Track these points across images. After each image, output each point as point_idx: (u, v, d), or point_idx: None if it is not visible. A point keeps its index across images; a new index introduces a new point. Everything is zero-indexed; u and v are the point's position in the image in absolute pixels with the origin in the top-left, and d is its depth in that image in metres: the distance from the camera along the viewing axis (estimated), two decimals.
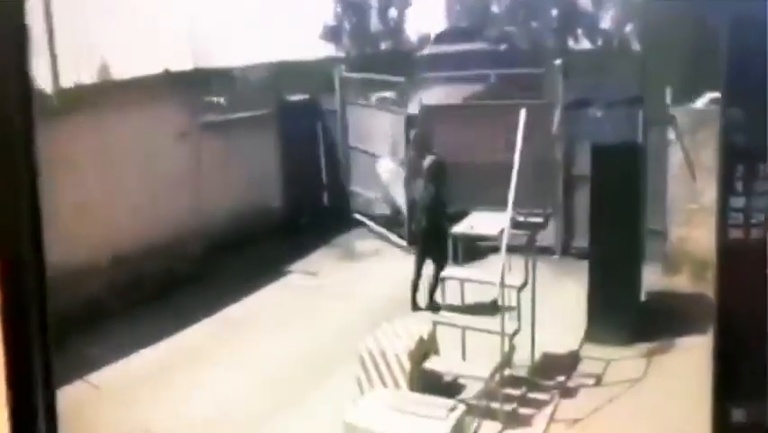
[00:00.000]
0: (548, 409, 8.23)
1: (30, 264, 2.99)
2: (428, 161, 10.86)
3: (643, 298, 10.12)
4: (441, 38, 18.77)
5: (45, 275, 2.96)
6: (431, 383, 8.38)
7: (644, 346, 9.22)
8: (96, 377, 9.36)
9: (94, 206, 11.39)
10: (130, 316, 10.68)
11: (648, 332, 9.39)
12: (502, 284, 8.10)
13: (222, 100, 14.74)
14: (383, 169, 14.09)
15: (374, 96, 15.55)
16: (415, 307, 10.70)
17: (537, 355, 8.97)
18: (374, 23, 20.41)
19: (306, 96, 15.81)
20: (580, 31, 17.24)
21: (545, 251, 11.43)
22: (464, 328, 8.75)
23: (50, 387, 2.87)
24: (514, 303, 8.52)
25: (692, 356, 7.70)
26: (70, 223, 10.66)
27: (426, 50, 18.61)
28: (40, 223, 2.87)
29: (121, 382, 9.29)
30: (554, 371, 8.90)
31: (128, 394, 8.99)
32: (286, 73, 16.10)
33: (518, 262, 8.66)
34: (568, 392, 8.56)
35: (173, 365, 9.76)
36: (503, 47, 17.48)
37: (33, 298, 2.96)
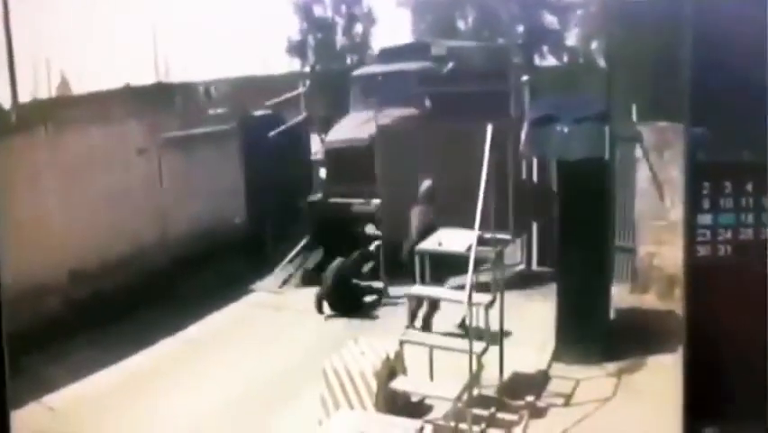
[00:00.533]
0: (517, 430, 8.22)
1: None
2: (425, 185, 10.91)
3: (612, 315, 10.15)
4: (383, 56, 16.88)
5: (0, 294, 2.91)
6: (398, 403, 8.34)
7: (613, 365, 9.24)
8: (52, 399, 9.24)
9: (52, 222, 11.27)
10: (89, 335, 10.55)
11: (618, 350, 9.41)
12: (469, 302, 8.08)
13: (184, 115, 14.62)
14: None
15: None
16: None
17: (506, 374, 8.96)
18: (339, 38, 20.45)
19: (270, 112, 15.78)
20: (545, 47, 17.38)
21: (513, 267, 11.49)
22: (431, 347, 8.73)
23: (3, 410, 2.82)
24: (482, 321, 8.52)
25: (663, 375, 7.74)
26: (27, 240, 10.54)
27: (361, 70, 16.72)
28: None
29: (78, 405, 9.17)
30: (524, 390, 8.87)
31: (85, 418, 8.87)
32: (250, 87, 16.08)
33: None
34: (537, 412, 8.55)
35: (133, 387, 9.65)
36: (449, 65, 15.47)
37: None
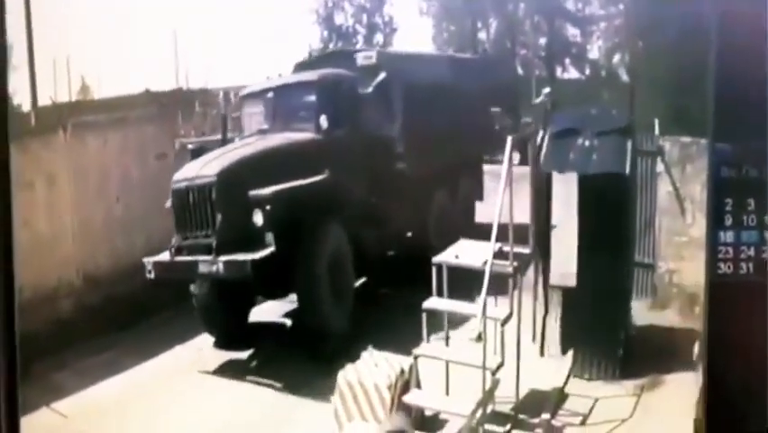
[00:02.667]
0: None
1: (1, 291, 2.95)
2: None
3: (631, 332, 10.10)
4: (298, 70, 14.00)
5: (14, 297, 2.92)
6: (411, 418, 8.31)
7: (632, 383, 9.17)
8: (64, 405, 9.26)
9: (67, 226, 11.34)
10: (101, 340, 10.59)
11: (636, 367, 9.35)
12: (484, 316, 8.05)
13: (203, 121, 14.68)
14: None
15: None
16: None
17: (522, 391, 8.91)
18: (360, 47, 20.52)
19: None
20: (568, 60, 17.37)
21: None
22: (446, 362, 8.71)
23: (14, 415, 2.82)
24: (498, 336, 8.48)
25: (682, 394, 7.66)
26: (42, 243, 10.60)
27: (250, 86, 13.37)
28: (11, 243, 2.83)
29: (89, 412, 9.18)
30: (540, 408, 8.83)
31: (96, 424, 8.89)
32: None
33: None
34: (553, 431, 8.51)
35: (145, 394, 9.66)
36: (381, 76, 12.73)
37: (1, 321, 2.91)
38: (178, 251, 10.79)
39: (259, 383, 10.07)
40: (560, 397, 9.10)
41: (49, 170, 11.11)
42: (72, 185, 11.41)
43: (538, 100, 11.10)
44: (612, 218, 9.31)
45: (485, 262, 8.29)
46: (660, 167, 10.83)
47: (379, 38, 20.54)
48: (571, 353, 9.57)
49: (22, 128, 10.89)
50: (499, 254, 8.56)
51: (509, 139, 8.62)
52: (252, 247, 10.20)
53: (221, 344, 11.39)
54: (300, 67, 14.00)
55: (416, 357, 8.71)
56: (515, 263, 8.89)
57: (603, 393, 8.99)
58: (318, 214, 10.79)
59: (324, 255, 10.68)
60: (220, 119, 13.15)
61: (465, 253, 9.07)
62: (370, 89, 12.56)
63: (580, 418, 8.64)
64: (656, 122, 10.81)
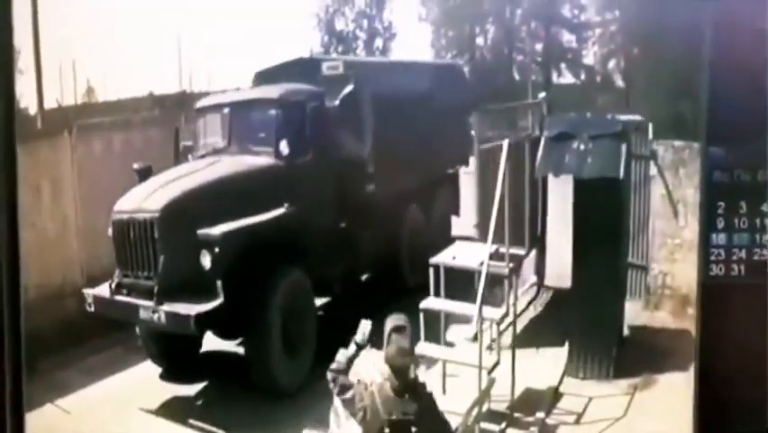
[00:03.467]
0: None
1: (5, 286, 2.95)
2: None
3: (625, 332, 10.11)
4: (259, 81, 12.23)
5: (20, 296, 2.92)
6: None
7: (625, 382, 9.18)
8: (68, 402, 9.26)
9: (72, 226, 11.34)
10: (106, 338, 10.56)
11: (630, 367, 9.36)
12: (480, 317, 8.07)
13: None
14: None
15: None
16: None
17: (518, 390, 8.92)
18: (360, 52, 20.51)
19: None
20: (563, 65, 17.38)
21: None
22: (443, 361, 8.72)
23: (19, 411, 2.82)
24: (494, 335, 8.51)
25: (675, 393, 7.67)
26: (48, 243, 10.60)
27: (204, 100, 11.78)
28: (17, 244, 2.84)
29: (93, 408, 9.17)
30: (535, 406, 8.84)
31: (100, 421, 8.87)
32: None
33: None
34: (547, 430, 8.50)
35: (149, 391, 9.66)
36: (348, 88, 11.31)
37: (7, 319, 2.92)
38: (119, 287, 9.52)
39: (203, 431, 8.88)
40: (554, 396, 9.11)
41: (54, 171, 11.11)
42: (77, 186, 11.41)
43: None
44: (606, 221, 9.32)
45: (481, 263, 8.31)
46: (653, 170, 10.83)
47: (378, 43, 20.52)
48: (565, 352, 9.58)
49: (29, 130, 10.90)
50: (496, 255, 8.56)
51: (506, 142, 8.63)
52: (200, 294, 8.94)
53: (167, 376, 10.21)
54: (261, 77, 12.12)
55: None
56: (510, 264, 8.91)
57: (597, 392, 9.00)
58: (276, 255, 9.50)
59: (277, 306, 9.34)
60: (173, 133, 11.33)
61: (462, 254, 9.08)
62: (336, 102, 11.24)
63: (575, 416, 8.63)
64: (650, 126, 10.81)
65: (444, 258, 9.08)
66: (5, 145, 2.75)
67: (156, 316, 8.97)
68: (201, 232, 9.03)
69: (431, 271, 8.94)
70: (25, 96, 11.24)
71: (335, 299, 11.31)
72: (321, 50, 19.88)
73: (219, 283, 8.93)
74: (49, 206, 10.11)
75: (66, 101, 11.83)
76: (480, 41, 19.24)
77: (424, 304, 8.89)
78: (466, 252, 9.11)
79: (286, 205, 9.82)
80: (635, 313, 10.65)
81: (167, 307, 8.92)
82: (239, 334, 9.84)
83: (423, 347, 8.77)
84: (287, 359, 9.48)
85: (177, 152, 11.06)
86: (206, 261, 8.98)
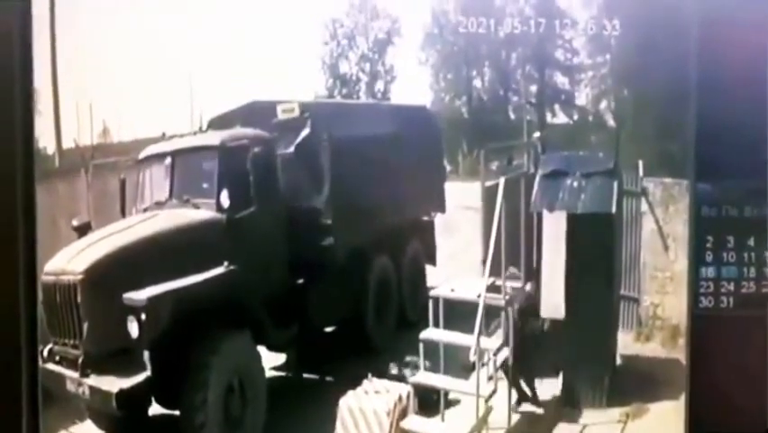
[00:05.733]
0: None
1: (24, 319, 2.95)
2: None
3: (617, 362, 10.07)
4: (213, 127, 10.77)
5: (37, 331, 2.92)
6: None
7: (618, 411, 9.15)
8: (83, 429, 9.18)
9: None
10: None
11: (622, 396, 9.32)
12: (478, 347, 8.09)
13: None
14: None
15: None
16: None
17: (514, 418, 8.89)
18: (362, 95, 20.58)
19: None
20: (557, 106, 17.42)
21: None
22: (442, 390, 8.71)
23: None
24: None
25: (666, 421, 7.63)
26: None
27: (148, 149, 10.29)
28: (35, 280, 2.85)
29: None
30: None
31: None
32: None
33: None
34: None
35: None
36: (305, 132, 10.18)
37: (25, 353, 2.92)
38: (51, 354, 8.52)
39: None
40: (549, 423, 9.06)
41: (71, 208, 11.12)
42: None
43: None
44: (599, 254, 9.33)
45: (479, 296, 8.32)
46: (644, 206, 10.85)
47: (380, 85, 20.59)
48: (560, 381, 9.54)
49: (47, 169, 10.92)
50: (493, 288, 8.58)
51: (502, 180, 8.69)
52: (129, 366, 7.98)
53: None
54: (214, 123, 10.78)
55: (413, 385, 8.72)
56: (507, 297, 8.92)
57: (591, 420, 8.96)
58: (216, 320, 8.39)
59: (215, 379, 8.21)
60: (119, 184, 10.31)
61: (460, 286, 9.09)
62: (291, 149, 10.16)
63: None
64: (640, 164, 10.84)
65: (443, 291, 9.10)
66: (25, 183, 2.76)
67: (81, 389, 8.10)
68: (127, 296, 7.94)
69: (430, 302, 8.94)
70: (44, 137, 11.27)
71: (294, 356, 10.51)
72: (325, 93, 19.95)
73: (147, 354, 7.91)
74: (66, 241, 10.08)
75: (82, 141, 11.85)
76: (477, 83, 19.29)
77: (423, 334, 8.91)
78: (464, 284, 9.13)
79: (225, 263, 8.69)
80: (627, 343, 10.60)
81: (91, 380, 8.02)
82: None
83: (422, 376, 8.78)
84: None
85: (123, 205, 10.16)
86: (134, 328, 7.93)
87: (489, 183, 9.94)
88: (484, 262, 9.64)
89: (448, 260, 12.25)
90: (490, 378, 8.88)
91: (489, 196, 9.83)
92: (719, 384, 3.76)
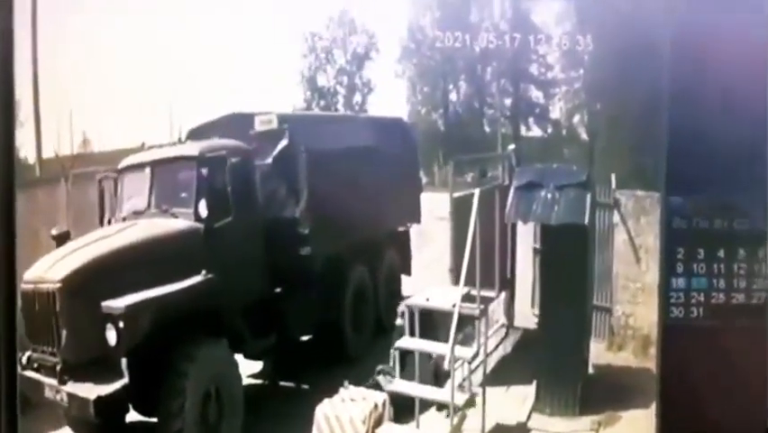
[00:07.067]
0: None
1: (2, 329, 2.92)
2: None
3: (590, 371, 10.10)
4: (193, 138, 10.64)
5: (16, 338, 2.89)
6: None
7: (590, 419, 9.17)
8: None
9: None
10: None
11: (595, 404, 9.34)
12: (452, 355, 8.11)
13: None
14: None
15: None
16: None
17: (488, 425, 8.89)
18: (340, 107, 20.60)
19: None
20: (531, 119, 17.51)
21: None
22: (417, 398, 8.71)
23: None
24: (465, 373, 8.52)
25: (637, 429, 7.67)
26: None
27: (127, 159, 10.20)
28: (14, 291, 2.82)
29: None
30: None
31: None
32: None
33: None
34: None
35: None
36: (282, 143, 10.21)
37: (4, 369, 2.88)
38: (30, 362, 8.48)
39: None
40: (523, 431, 9.07)
41: (51, 216, 11.04)
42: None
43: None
44: (572, 265, 9.37)
45: (454, 305, 8.34)
46: (616, 218, 10.92)
47: (358, 98, 20.62)
48: (533, 389, 9.57)
49: (28, 178, 10.84)
50: (467, 298, 8.60)
51: (477, 192, 8.73)
52: (106, 373, 8.01)
53: None
54: (193, 134, 10.73)
55: (389, 393, 8.72)
56: (481, 306, 8.94)
57: (563, 428, 8.98)
58: (193, 328, 8.44)
59: (192, 386, 8.22)
60: (97, 194, 10.30)
61: (435, 296, 9.10)
62: (269, 160, 10.19)
63: None
64: (613, 177, 10.92)
65: (418, 300, 9.11)
66: (5, 192, 2.73)
67: (59, 396, 8.11)
68: (105, 304, 7.97)
69: (405, 311, 8.94)
70: (25, 146, 11.20)
71: (271, 364, 10.57)
72: (303, 106, 19.95)
73: (124, 361, 7.95)
74: (45, 250, 10.00)
75: (62, 151, 11.78)
76: (453, 96, 19.35)
77: (399, 343, 8.91)
78: (439, 294, 9.14)
79: (203, 272, 8.73)
80: (599, 352, 10.65)
81: (69, 387, 8.05)
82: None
83: (398, 385, 8.78)
84: None
85: (102, 214, 10.16)
86: (111, 336, 7.95)
87: (457, 194, 9.98)
88: (452, 270, 9.72)
89: (422, 269, 12.33)
90: (461, 386, 8.90)
91: (457, 206, 9.92)
92: (689, 393, 3.78)
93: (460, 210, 9.68)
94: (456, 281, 9.01)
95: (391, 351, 9.23)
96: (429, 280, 11.30)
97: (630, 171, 11.26)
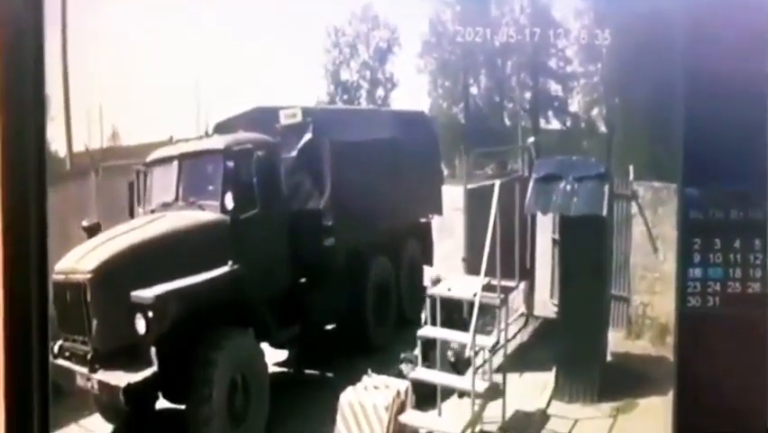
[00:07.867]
0: None
1: (35, 318, 2.95)
2: None
3: (608, 359, 10.07)
4: (219, 131, 10.55)
5: (47, 324, 2.92)
6: None
7: (608, 406, 9.16)
8: (92, 422, 9.16)
9: None
10: None
11: (613, 392, 9.33)
12: (473, 344, 8.11)
13: None
14: None
15: None
16: None
17: (508, 412, 8.89)
18: (363, 101, 20.56)
19: None
20: (550, 112, 17.42)
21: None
22: (438, 386, 8.73)
23: (45, 431, 2.81)
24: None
25: (654, 416, 7.64)
26: None
27: (155, 153, 10.35)
28: (46, 283, 2.85)
29: None
30: (524, 427, 8.81)
31: None
32: None
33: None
34: None
35: None
36: (306, 137, 10.31)
37: (36, 352, 2.92)
38: (61, 351, 8.54)
39: None
40: (542, 418, 9.07)
41: (81, 209, 11.12)
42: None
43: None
44: (590, 255, 9.35)
45: (475, 295, 8.34)
46: (634, 209, 10.86)
47: (380, 92, 20.60)
48: (553, 377, 9.56)
49: (59, 172, 10.92)
50: (488, 287, 8.60)
51: (497, 183, 8.72)
52: (136, 362, 8.13)
53: None
54: (219, 128, 10.62)
55: (411, 381, 8.75)
56: (502, 295, 8.93)
57: (582, 415, 8.97)
58: (220, 317, 8.54)
59: (220, 374, 8.32)
60: (127, 187, 10.38)
61: (457, 286, 9.11)
62: (294, 153, 10.23)
63: None
64: (631, 168, 10.85)
65: (440, 290, 9.11)
66: (37, 185, 2.76)
67: (90, 384, 8.21)
68: (134, 294, 8.07)
69: (428, 301, 8.95)
70: (55, 141, 11.27)
71: (295, 353, 10.51)
72: (327, 99, 19.92)
73: (153, 350, 8.08)
74: (76, 241, 10.08)
75: (92, 145, 11.85)
76: (473, 90, 19.27)
77: (421, 332, 8.92)
78: (460, 284, 9.14)
79: (230, 263, 8.78)
80: (617, 341, 10.61)
81: (100, 375, 8.15)
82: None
83: (420, 372, 8.79)
84: (231, 431, 8.46)
85: (131, 207, 10.23)
86: (141, 325, 8.04)
87: (471, 186, 9.94)
88: (464, 260, 9.68)
89: (443, 260, 12.28)
90: (482, 374, 8.91)
91: (472, 198, 9.94)
92: (705, 380, 3.76)
93: (474, 201, 9.72)
94: (469, 270, 9.07)
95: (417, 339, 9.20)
96: (450, 270, 11.35)
97: (648, 163, 11.19)
